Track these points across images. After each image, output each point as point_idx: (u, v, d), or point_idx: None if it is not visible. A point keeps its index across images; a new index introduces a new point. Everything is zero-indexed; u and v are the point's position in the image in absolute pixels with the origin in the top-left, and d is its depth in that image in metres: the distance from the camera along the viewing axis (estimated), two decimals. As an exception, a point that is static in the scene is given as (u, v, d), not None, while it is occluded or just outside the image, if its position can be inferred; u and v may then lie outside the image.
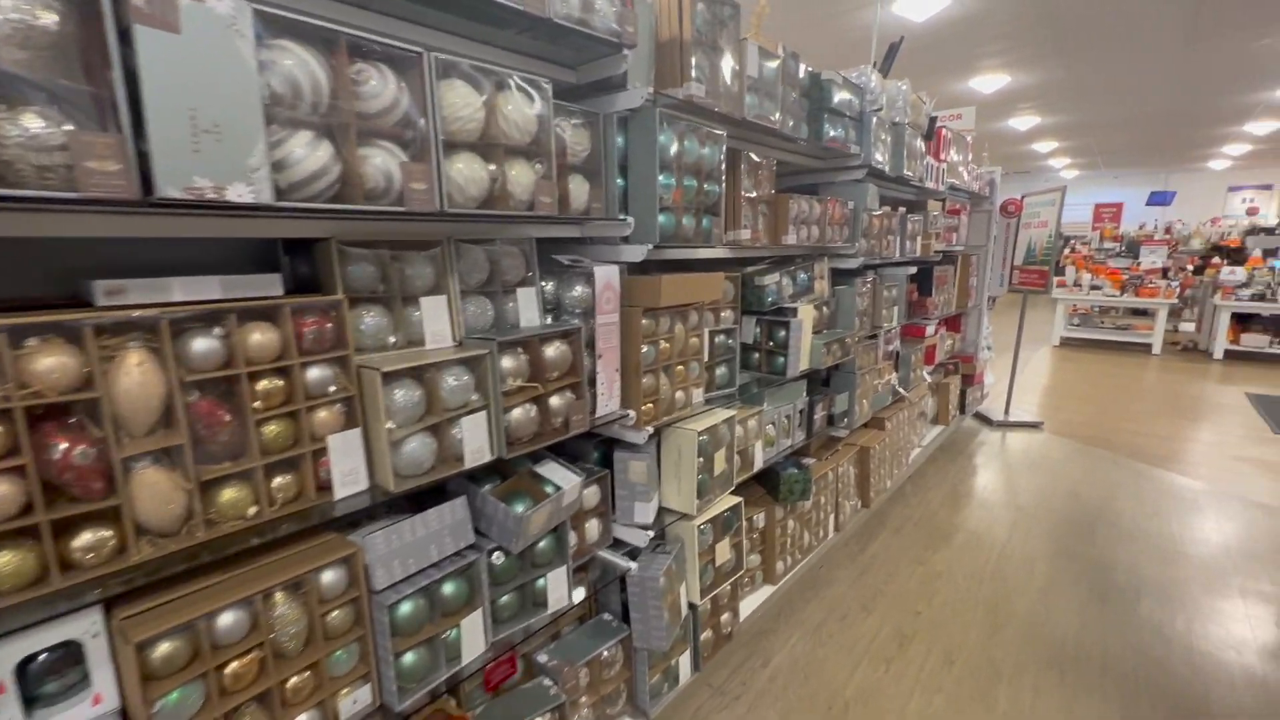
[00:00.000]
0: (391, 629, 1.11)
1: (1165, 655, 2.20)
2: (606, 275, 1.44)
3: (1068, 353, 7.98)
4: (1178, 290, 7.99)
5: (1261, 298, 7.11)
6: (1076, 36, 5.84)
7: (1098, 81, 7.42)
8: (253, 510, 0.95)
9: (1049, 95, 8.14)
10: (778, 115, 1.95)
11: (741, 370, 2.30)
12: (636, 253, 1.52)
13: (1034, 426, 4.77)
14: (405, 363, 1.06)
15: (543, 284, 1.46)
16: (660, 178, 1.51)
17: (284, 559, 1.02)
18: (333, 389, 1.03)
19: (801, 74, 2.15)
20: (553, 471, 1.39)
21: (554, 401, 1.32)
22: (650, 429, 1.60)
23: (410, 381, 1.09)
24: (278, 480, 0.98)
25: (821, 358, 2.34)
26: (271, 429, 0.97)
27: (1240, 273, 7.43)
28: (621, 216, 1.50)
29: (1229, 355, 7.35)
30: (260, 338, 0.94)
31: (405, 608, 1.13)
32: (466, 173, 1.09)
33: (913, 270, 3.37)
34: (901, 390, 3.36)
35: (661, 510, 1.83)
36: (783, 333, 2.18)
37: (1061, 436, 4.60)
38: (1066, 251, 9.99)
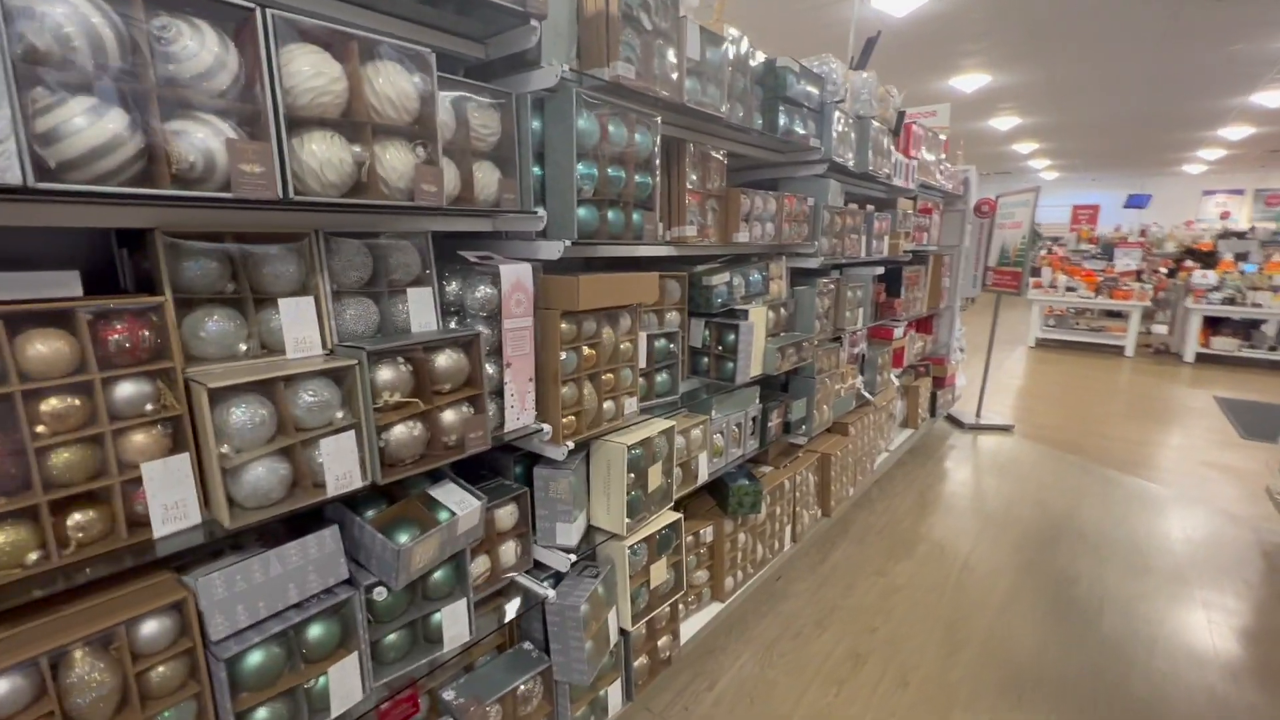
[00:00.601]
0: (234, 684, 0.95)
1: (1125, 675, 2.11)
2: (515, 274, 1.29)
3: (1043, 354, 7.97)
4: (1151, 293, 8.00)
5: (1232, 301, 7.14)
6: (1055, 36, 5.77)
7: (1076, 83, 7.38)
8: (34, 556, 0.79)
9: (1028, 96, 8.11)
10: (725, 106, 1.81)
11: (691, 376, 2.16)
12: (552, 249, 1.36)
13: (1005, 430, 4.71)
14: (242, 376, 0.90)
15: (444, 283, 1.30)
16: (580, 167, 1.36)
17: (90, 609, 0.86)
18: (151, 408, 0.87)
19: (755, 60, 2.01)
20: (449, 494, 1.24)
21: (447, 417, 1.17)
22: (571, 443, 1.46)
23: (254, 398, 0.93)
24: (76, 518, 0.82)
25: (776, 362, 2.21)
26: (64, 458, 0.80)
27: (1212, 276, 7.45)
28: (533, 209, 1.34)
29: (1200, 358, 7.38)
30: (44, 348, 0.78)
31: (253, 658, 0.97)
32: (323, 155, 0.93)
33: (880, 270, 3.25)
34: (867, 394, 3.24)
35: (591, 530, 1.68)
36: (732, 336, 2.05)
37: (1032, 440, 4.53)
38: (1043, 253, 9.99)
